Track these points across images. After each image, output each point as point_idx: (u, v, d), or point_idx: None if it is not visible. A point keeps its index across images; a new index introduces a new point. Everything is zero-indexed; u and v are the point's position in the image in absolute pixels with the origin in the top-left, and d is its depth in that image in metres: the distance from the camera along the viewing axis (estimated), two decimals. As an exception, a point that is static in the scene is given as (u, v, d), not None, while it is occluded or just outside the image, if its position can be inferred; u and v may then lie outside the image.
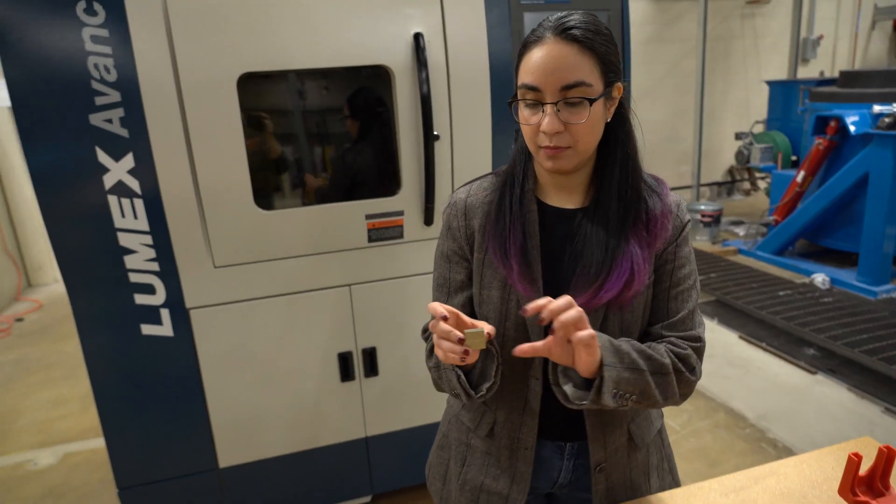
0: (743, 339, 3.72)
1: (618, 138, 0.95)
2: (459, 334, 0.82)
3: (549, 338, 0.83)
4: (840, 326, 3.64)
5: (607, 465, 1.04)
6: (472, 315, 1.05)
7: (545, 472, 1.08)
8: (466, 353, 0.83)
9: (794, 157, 5.98)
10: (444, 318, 0.83)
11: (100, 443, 2.83)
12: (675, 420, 2.88)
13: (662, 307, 0.98)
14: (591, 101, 0.87)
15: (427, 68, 1.75)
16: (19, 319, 4.65)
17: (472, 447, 1.11)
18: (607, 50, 0.89)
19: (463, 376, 0.95)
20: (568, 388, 0.89)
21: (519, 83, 0.91)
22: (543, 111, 0.88)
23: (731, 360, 3.46)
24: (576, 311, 0.80)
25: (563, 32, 0.86)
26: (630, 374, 0.87)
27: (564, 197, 1.00)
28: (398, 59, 1.76)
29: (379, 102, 1.89)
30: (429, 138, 1.79)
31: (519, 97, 0.91)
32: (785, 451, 2.61)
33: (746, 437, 2.73)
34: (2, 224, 5.07)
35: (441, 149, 1.85)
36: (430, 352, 1.02)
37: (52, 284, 5.41)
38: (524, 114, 0.91)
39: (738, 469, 1.14)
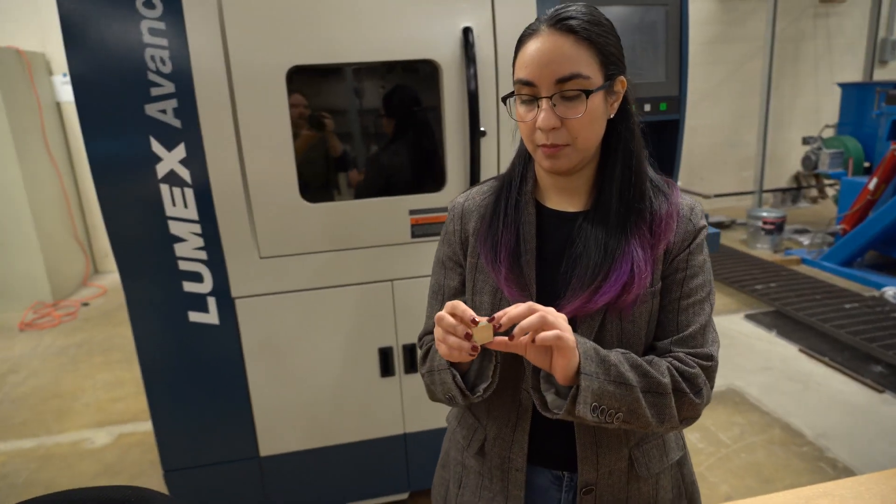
0: (803, 352, 3.53)
1: (620, 135, 0.90)
2: (467, 328, 0.78)
3: (524, 336, 0.77)
4: (912, 344, 3.40)
5: (598, 488, 0.95)
6: None
7: (542, 503, 1.00)
8: (475, 348, 0.79)
9: (866, 164, 5.65)
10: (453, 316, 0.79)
11: (151, 425, 2.93)
12: (726, 433, 2.75)
13: (671, 320, 0.89)
14: (588, 94, 0.81)
15: (475, 64, 1.73)
16: (85, 304, 4.90)
17: (467, 467, 1.06)
18: (607, 41, 0.84)
19: (458, 376, 0.90)
20: (549, 396, 0.83)
21: (514, 79, 0.86)
22: (539, 106, 0.83)
23: (789, 375, 3.29)
24: (536, 317, 0.75)
25: (557, 23, 0.82)
26: (616, 388, 0.79)
27: (565, 200, 0.94)
28: (446, 54, 1.74)
29: (415, 101, 1.88)
30: (475, 134, 1.77)
31: (515, 93, 0.87)
32: (845, 472, 2.45)
33: (803, 455, 2.58)
34: (74, 212, 5.35)
35: (487, 145, 1.83)
36: (424, 358, 0.99)
37: (117, 272, 5.62)
38: (520, 111, 0.87)
39: (793, 488, 1.07)
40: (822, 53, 7.33)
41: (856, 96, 6.08)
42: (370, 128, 1.95)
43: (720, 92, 6.82)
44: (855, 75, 7.17)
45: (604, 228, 0.88)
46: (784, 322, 3.95)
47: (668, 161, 1.98)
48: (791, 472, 2.47)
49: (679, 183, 2.04)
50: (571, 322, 0.85)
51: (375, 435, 2.03)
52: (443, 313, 0.80)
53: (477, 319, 0.77)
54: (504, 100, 0.89)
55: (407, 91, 1.90)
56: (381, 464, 2.07)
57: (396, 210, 1.82)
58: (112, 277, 5.57)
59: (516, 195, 0.94)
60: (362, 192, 1.91)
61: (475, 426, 1.03)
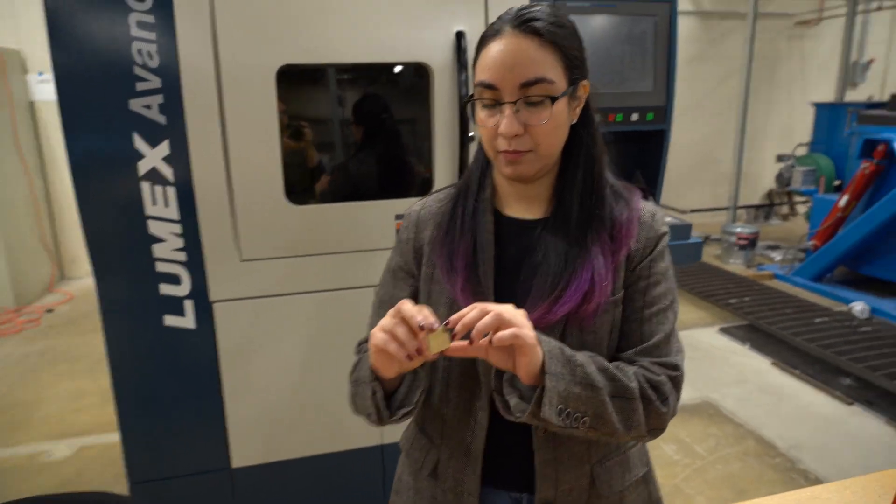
0: (776, 365, 3.59)
1: (582, 141, 0.87)
2: (426, 321, 0.73)
3: (483, 339, 0.73)
4: (879, 357, 3.48)
5: None
6: None
7: None
8: (419, 353, 0.74)
9: (837, 182, 5.80)
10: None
11: (115, 437, 2.80)
12: (702, 445, 2.78)
13: (635, 330, 0.86)
14: (554, 100, 0.79)
15: (468, 69, 1.73)
16: (50, 311, 4.71)
17: (420, 491, 1.00)
18: (571, 44, 0.81)
19: (380, 393, 0.84)
20: (512, 399, 0.78)
21: (476, 81, 0.82)
22: (501, 112, 0.80)
23: (762, 387, 3.34)
24: (491, 317, 0.72)
25: (521, 24, 0.78)
26: (582, 390, 0.76)
27: (525, 207, 0.91)
28: (439, 58, 1.73)
29: (404, 104, 1.86)
30: (464, 139, 1.76)
31: (475, 97, 0.83)
32: (817, 483, 2.49)
33: (776, 466, 2.62)
34: (42, 215, 5.17)
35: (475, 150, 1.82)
36: (356, 365, 0.94)
37: (85, 278, 5.46)
38: (481, 115, 0.83)
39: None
40: (797, 74, 7.53)
41: (828, 116, 6.26)
42: (358, 131, 1.93)
43: (698, 109, 6.95)
44: (827, 96, 7.38)
45: (564, 236, 0.85)
46: (757, 336, 4.02)
47: (652, 171, 2.00)
48: (765, 483, 2.51)
49: (662, 194, 2.06)
50: None
51: (353, 446, 1.99)
52: (394, 321, 0.75)
53: (425, 325, 0.73)
54: (466, 104, 0.87)
55: (395, 94, 1.89)
56: (358, 476, 2.02)
57: (383, 214, 1.80)
58: (79, 284, 5.36)
59: (473, 202, 0.90)
60: (349, 195, 1.88)
61: (428, 447, 0.98)
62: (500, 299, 0.85)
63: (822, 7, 7.27)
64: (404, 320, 0.74)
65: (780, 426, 2.93)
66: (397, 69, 1.86)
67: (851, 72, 7.22)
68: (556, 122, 0.81)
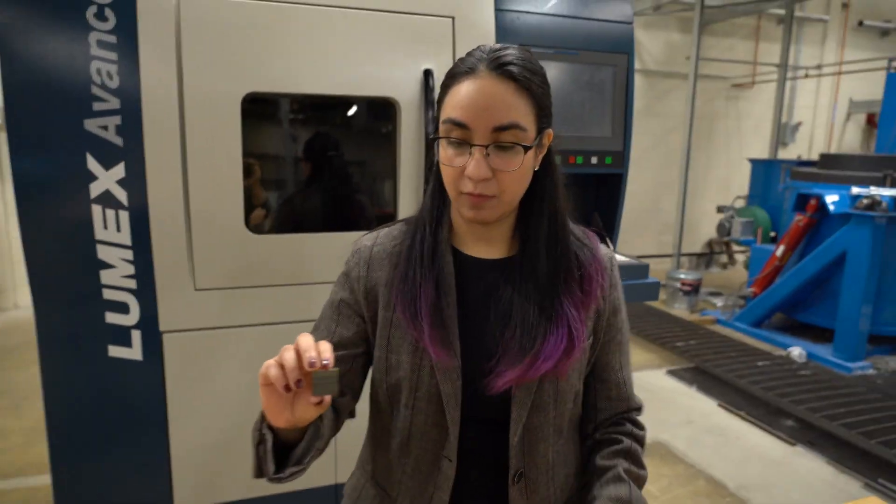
0: (722, 407, 3.68)
1: (545, 188, 0.86)
2: (315, 358, 0.66)
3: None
4: (818, 399, 3.63)
5: None
6: (357, 384, 0.93)
7: None
8: (288, 387, 0.67)
9: (772, 234, 6.13)
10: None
11: (41, 480, 2.62)
12: (655, 485, 2.79)
13: (611, 379, 0.93)
14: (526, 149, 0.77)
15: (434, 106, 1.76)
16: None
17: None
18: (543, 92, 0.80)
19: (270, 442, 0.76)
20: None
21: (443, 117, 0.79)
22: (471, 154, 0.77)
23: (709, 429, 3.40)
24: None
25: (499, 67, 0.76)
26: None
27: (484, 247, 0.88)
28: (406, 94, 1.75)
29: (333, 149, 1.88)
30: (429, 175, 1.77)
31: (442, 134, 0.80)
32: (766, 526, 2.53)
33: (726, 508, 2.65)
34: None
35: (440, 186, 1.84)
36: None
37: (11, 310, 5.12)
38: (447, 153, 0.79)
39: None
40: (733, 131, 8.01)
41: (764, 171, 6.66)
42: (319, 163, 1.92)
43: (644, 161, 7.26)
44: (761, 152, 7.87)
45: (533, 285, 0.83)
46: (703, 378, 4.12)
47: (609, 213, 2.07)
48: (716, 524, 2.52)
49: (618, 234, 2.12)
50: (505, 395, 0.83)
51: (304, 486, 1.89)
52: (297, 342, 0.69)
53: (313, 362, 0.66)
54: (432, 141, 0.84)
55: (320, 139, 1.88)
56: None
57: (337, 246, 1.77)
58: (5, 316, 4.97)
59: (432, 241, 0.86)
60: (309, 226, 1.85)
61: (381, 498, 0.92)
62: (467, 345, 0.83)
63: (756, 72, 7.82)
64: (296, 350, 0.68)
65: (728, 466, 2.98)
66: (352, 111, 1.89)
67: (783, 132, 7.75)
68: (523, 169, 0.79)
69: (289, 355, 0.68)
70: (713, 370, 4.14)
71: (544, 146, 0.84)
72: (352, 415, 0.93)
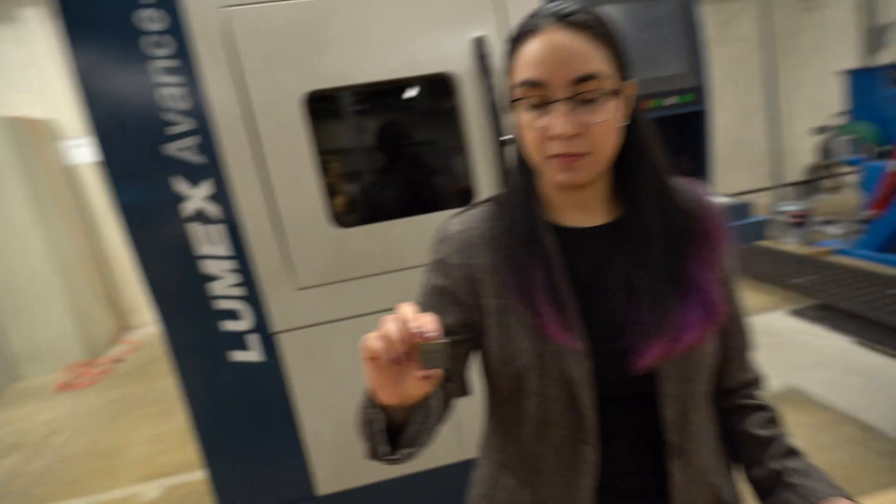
0: (861, 344, 3.35)
1: (640, 141, 0.79)
2: (422, 327, 0.60)
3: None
4: (972, 320, 3.22)
5: None
6: (463, 373, 0.86)
7: None
8: (398, 363, 0.63)
9: (883, 148, 5.54)
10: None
11: (201, 474, 2.90)
12: (798, 435, 2.58)
13: (735, 346, 0.87)
14: (609, 96, 0.72)
15: (491, 73, 1.67)
16: (119, 360, 4.95)
17: None
18: (619, 39, 0.75)
19: (381, 422, 0.72)
20: None
21: (516, 81, 0.75)
22: (551, 112, 0.72)
23: (848, 369, 3.11)
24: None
25: (566, 18, 0.72)
26: None
27: (581, 215, 0.82)
28: (461, 66, 1.69)
29: (405, 136, 1.88)
30: (500, 144, 1.69)
31: (517, 97, 0.75)
32: (936, 464, 2.27)
33: (884, 452, 2.40)
34: (99, 273, 5.46)
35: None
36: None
37: (146, 326, 5.80)
38: (527, 118, 0.75)
39: (879, 489, 0.95)
40: (814, 45, 7.32)
41: (861, 82, 6.03)
42: (391, 150, 1.89)
43: (720, 94, 6.77)
44: (849, 64, 7.13)
45: (651, 248, 0.77)
46: (831, 314, 3.77)
47: (697, 154, 1.91)
48: (875, 470, 2.29)
49: (709, 176, 1.95)
50: (649, 372, 0.76)
51: (436, 464, 1.90)
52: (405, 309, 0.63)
53: (420, 332, 0.60)
54: (508, 107, 0.78)
55: (390, 129, 1.88)
56: (443, 494, 1.91)
57: (424, 229, 1.74)
58: (142, 332, 5.67)
59: (528, 220, 0.81)
60: (389, 213, 1.83)
61: (519, 487, 0.87)
62: (590, 323, 0.78)
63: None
64: (402, 321, 0.63)
65: (880, 408, 2.70)
66: (411, 93, 1.85)
67: (873, 36, 6.98)
68: (612, 121, 0.74)
69: (392, 325, 0.62)
70: (842, 304, 3.79)
71: (630, 97, 0.78)
72: (464, 393, 0.88)
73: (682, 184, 0.84)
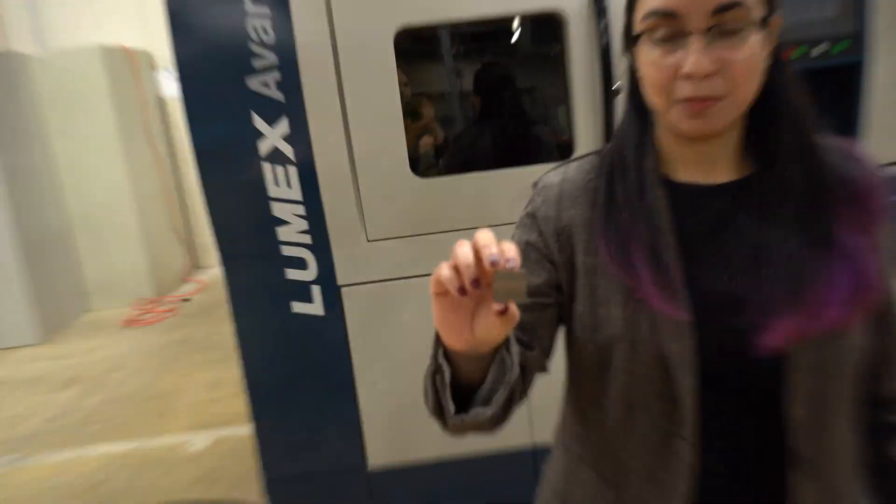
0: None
1: (783, 85, 0.66)
2: (500, 256, 0.49)
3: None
4: None
5: None
6: (548, 338, 0.75)
7: None
8: (463, 291, 0.52)
9: None
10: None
11: (248, 430, 2.88)
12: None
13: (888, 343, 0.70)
14: (754, 28, 0.60)
15: (607, 14, 1.51)
16: (186, 300, 5.00)
17: None
18: None
19: (447, 373, 0.63)
20: None
21: (644, 13, 0.63)
22: (684, 47, 0.61)
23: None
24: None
25: None
26: None
27: (703, 171, 0.70)
28: (573, 5, 1.53)
29: (504, 81, 1.72)
30: (609, 94, 1.53)
31: (643, 30, 0.64)
32: None
33: None
34: (175, 207, 5.54)
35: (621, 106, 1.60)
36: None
37: (217, 266, 5.83)
38: (653, 55, 0.63)
39: None
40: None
41: None
42: (488, 96, 1.76)
43: (885, 42, 6.14)
44: None
45: (789, 207, 0.64)
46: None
47: (845, 117, 1.66)
48: None
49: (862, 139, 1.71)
50: (775, 357, 0.62)
51: (499, 447, 1.77)
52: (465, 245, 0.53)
53: (497, 261, 0.50)
54: (631, 44, 0.66)
55: (490, 71, 1.73)
56: (505, 481, 1.80)
57: (518, 183, 1.61)
58: (211, 272, 5.68)
59: (637, 172, 0.70)
60: (479, 164, 1.71)
61: (598, 483, 0.76)
62: (697, 292, 0.65)
63: None
64: (474, 247, 0.52)
65: None
66: (515, 36, 1.70)
67: None
68: (754, 59, 0.62)
69: (464, 250, 0.52)
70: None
71: (773, 35, 0.65)
72: (544, 369, 0.76)
73: (834, 142, 0.69)
